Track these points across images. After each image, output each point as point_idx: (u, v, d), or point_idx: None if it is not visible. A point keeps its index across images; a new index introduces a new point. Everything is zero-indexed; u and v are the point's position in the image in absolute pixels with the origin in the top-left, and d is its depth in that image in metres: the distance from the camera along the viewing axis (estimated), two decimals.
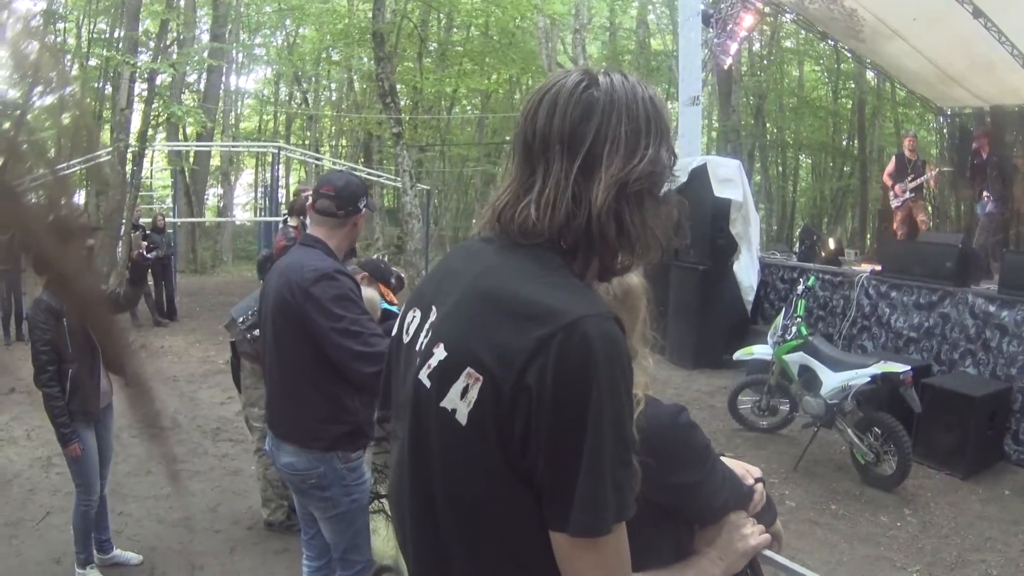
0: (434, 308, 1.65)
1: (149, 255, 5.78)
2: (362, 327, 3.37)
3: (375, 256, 10.84)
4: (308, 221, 4.17)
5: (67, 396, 4.87)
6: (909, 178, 13.45)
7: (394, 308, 6.31)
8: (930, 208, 13.39)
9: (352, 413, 3.53)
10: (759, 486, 2.10)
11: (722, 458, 2.03)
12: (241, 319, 5.46)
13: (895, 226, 13.97)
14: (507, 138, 31.32)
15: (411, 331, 1.72)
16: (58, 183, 1.30)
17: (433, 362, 1.55)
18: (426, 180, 26.31)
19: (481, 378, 1.45)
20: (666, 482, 1.77)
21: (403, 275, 7.17)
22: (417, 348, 1.65)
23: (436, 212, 27.79)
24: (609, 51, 30.61)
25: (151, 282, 15.30)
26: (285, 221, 8.81)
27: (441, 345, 1.55)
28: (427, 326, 1.65)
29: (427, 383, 1.56)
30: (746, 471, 2.11)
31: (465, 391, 1.47)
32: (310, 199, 3.88)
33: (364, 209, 3.78)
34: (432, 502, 1.57)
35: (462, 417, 1.48)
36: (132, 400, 1.67)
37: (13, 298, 13.05)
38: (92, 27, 29.25)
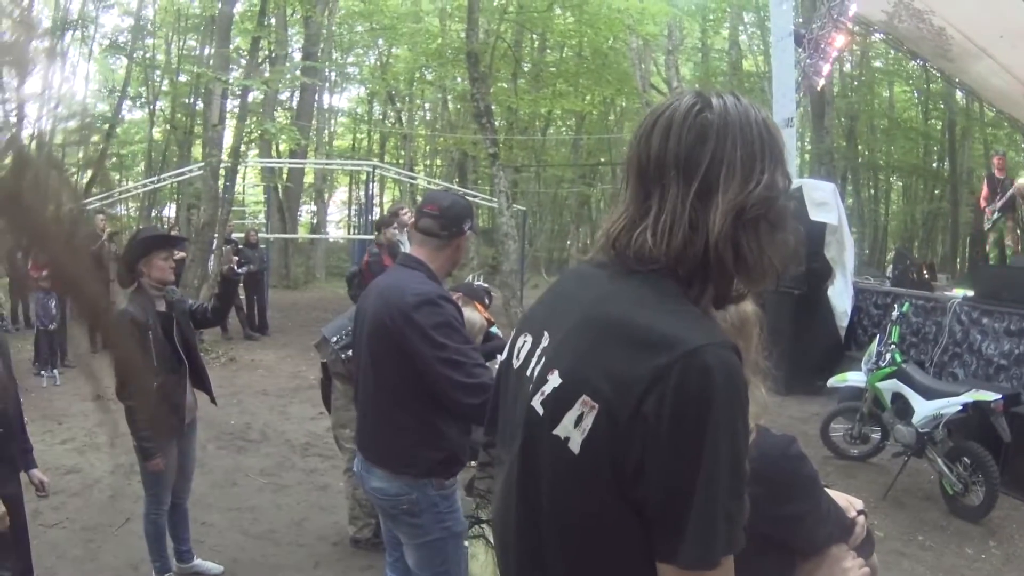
0: (546, 334, 1.63)
1: (240, 270, 5.76)
2: (465, 356, 3.22)
3: (468, 278, 10.74)
4: (408, 240, 3.99)
5: (151, 409, 4.76)
6: (997, 198, 12.94)
7: (495, 330, 6.21)
8: (1019, 231, 12.80)
9: (448, 440, 3.41)
10: (861, 519, 2.07)
11: (827, 490, 2.01)
12: (335, 339, 5.38)
13: (987, 249, 13.50)
14: (602, 159, 31.45)
15: (522, 356, 1.70)
16: (70, 191, 1.19)
17: (547, 389, 1.53)
18: (521, 200, 26.32)
19: (597, 406, 1.42)
20: (775, 513, 1.76)
21: (494, 293, 7.04)
22: (529, 374, 1.63)
23: (531, 233, 27.83)
24: (702, 72, 30.43)
25: (243, 296, 15.49)
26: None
27: (556, 372, 1.52)
28: (539, 351, 1.63)
29: (540, 410, 1.53)
30: (849, 503, 2.08)
31: (579, 419, 1.44)
32: (413, 217, 3.76)
33: (468, 231, 3.62)
34: (539, 530, 1.55)
35: (575, 446, 1.44)
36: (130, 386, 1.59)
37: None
38: (182, 44, 29.99)
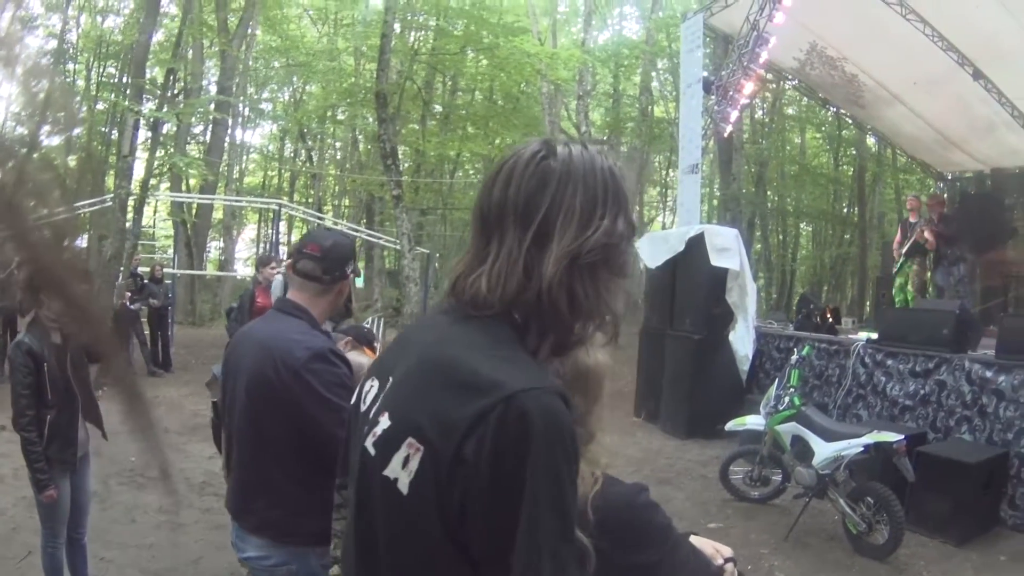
0: (389, 378, 1.64)
1: (133, 306, 5.76)
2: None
3: (368, 320, 10.79)
4: (286, 283, 3.78)
5: (44, 442, 4.78)
6: (906, 241, 13.29)
7: None
8: (929, 275, 13.26)
9: (334, 508, 3.23)
10: (729, 567, 2.06)
11: (692, 538, 2.02)
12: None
13: (893, 292, 13.80)
14: None
15: (367, 400, 1.70)
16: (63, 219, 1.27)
17: (378, 431, 1.55)
18: (427, 243, 26.39)
19: (422, 448, 1.44)
20: (625, 562, 1.75)
21: (392, 335, 7.13)
22: (369, 416, 1.63)
23: (437, 276, 27.88)
24: (612, 118, 30.73)
25: (147, 332, 15.31)
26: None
27: (386, 414, 1.55)
28: (380, 395, 1.64)
29: (372, 451, 1.55)
30: (715, 551, 2.07)
31: (406, 461, 1.46)
32: (292, 259, 3.46)
33: (351, 275, 3.42)
34: (376, 568, 1.56)
35: (403, 486, 1.46)
36: (130, 412, 1.67)
37: (8, 337, 13.10)
38: (102, 70, 29.58)
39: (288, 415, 3.01)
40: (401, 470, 1.46)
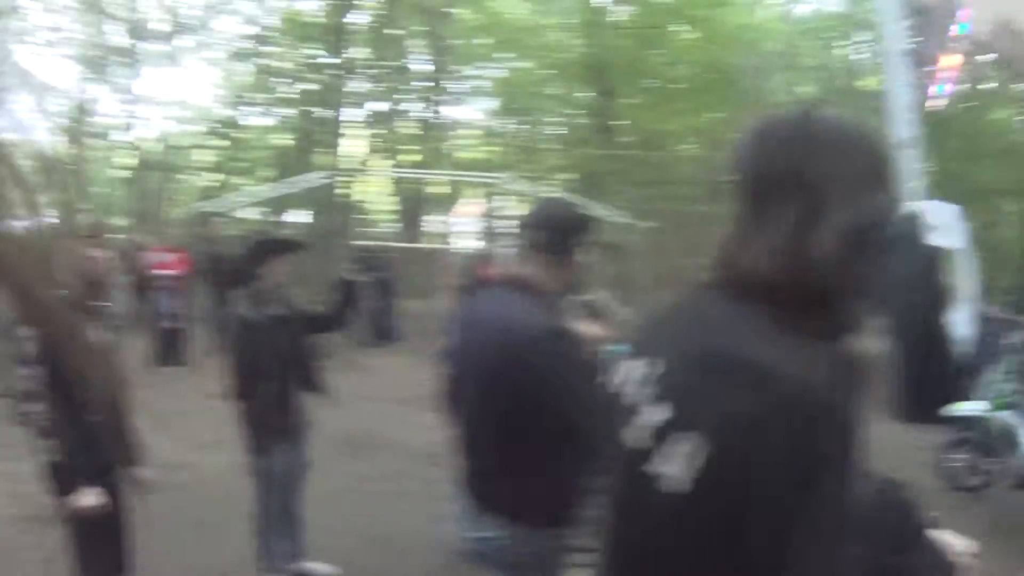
0: (657, 361, 1.55)
1: (360, 278, 5.81)
2: (593, 397, 2.82)
3: (591, 294, 10.62)
4: (516, 255, 3.55)
5: (263, 410, 4.83)
6: None
7: (617, 347, 6.00)
8: None
9: (571, 488, 2.94)
10: (967, 560, 1.87)
11: (937, 531, 1.87)
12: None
13: None
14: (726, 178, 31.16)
15: (631, 381, 1.61)
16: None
17: (655, 421, 1.46)
18: (648, 218, 26.08)
19: (706, 444, 1.35)
20: (877, 564, 1.60)
21: (617, 310, 6.86)
22: (637, 402, 1.55)
23: (656, 251, 27.60)
24: (818, 91, 29.61)
25: (371, 303, 15.63)
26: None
27: (665, 404, 1.46)
28: (649, 379, 1.54)
29: (647, 443, 1.46)
30: (954, 545, 1.88)
31: (688, 456, 1.37)
32: (521, 231, 3.30)
33: (583, 246, 3.17)
34: (642, 564, 1.52)
35: (682, 483, 1.38)
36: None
37: (222, 309, 13.71)
38: (304, 53, 30.64)
39: (522, 395, 2.89)
40: (681, 466, 1.38)
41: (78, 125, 26.92)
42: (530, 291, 3.05)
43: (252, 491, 5.20)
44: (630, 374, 1.62)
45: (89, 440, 3.64)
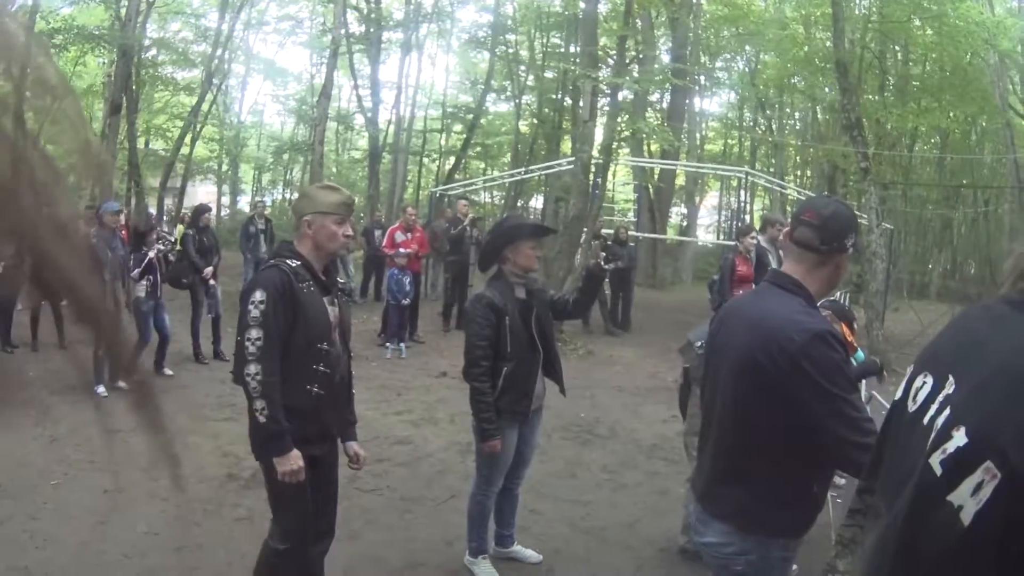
0: (952, 378, 1.45)
1: (607, 266, 5.74)
2: (856, 409, 2.72)
3: (836, 294, 10.20)
4: (782, 254, 3.35)
5: (498, 393, 4.81)
6: None
7: (860, 355, 5.73)
8: None
9: (812, 499, 2.97)
10: None
11: None
12: (699, 344, 5.08)
13: None
14: (964, 181, 29.39)
15: (919, 399, 1.53)
16: (44, 163, 1.17)
17: (950, 447, 1.35)
18: (888, 218, 24.92)
19: (1000, 475, 1.25)
20: None
21: (858, 314, 6.55)
22: (927, 422, 1.46)
23: (895, 253, 26.30)
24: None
25: (608, 292, 15.61)
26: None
27: (963, 429, 1.34)
28: (941, 398, 1.45)
29: (937, 470, 1.36)
30: None
31: (978, 488, 1.27)
32: (789, 227, 3.16)
33: (851, 249, 3.03)
34: None
35: (967, 516, 1.28)
36: (137, 402, 1.56)
37: (457, 289, 14.02)
38: (545, 41, 30.87)
39: (779, 401, 2.77)
40: (969, 498, 1.28)
41: (313, 108, 28.32)
42: (796, 290, 2.95)
43: (472, 470, 5.23)
44: (917, 391, 1.55)
45: (299, 406, 3.72)
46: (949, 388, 1.45)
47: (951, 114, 26.47)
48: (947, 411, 1.41)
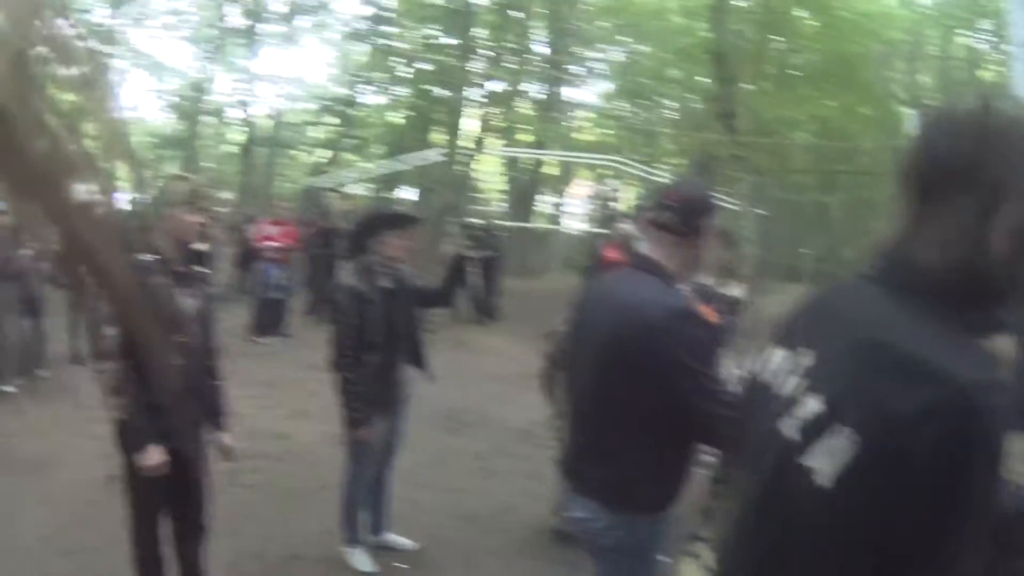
0: (807, 350, 1.53)
1: (471, 255, 5.83)
2: (720, 384, 2.80)
3: (705, 281, 10.50)
4: (644, 238, 3.45)
5: (365, 383, 4.84)
6: None
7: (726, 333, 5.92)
8: None
9: (677, 474, 3.02)
10: None
11: None
12: (564, 328, 5.22)
13: None
14: (841, 168, 30.27)
15: (777, 371, 1.60)
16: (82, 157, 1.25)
17: (803, 414, 1.44)
18: (761, 205, 25.62)
19: (856, 439, 1.32)
20: (1002, 569, 1.51)
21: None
22: (782, 393, 1.54)
23: (768, 238, 27.03)
24: (941, 81, 28.67)
25: (477, 281, 15.73)
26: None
27: (815, 396, 1.43)
28: (797, 369, 1.53)
29: (792, 435, 1.45)
30: None
31: (835, 451, 1.35)
32: (648, 212, 3.21)
33: (711, 231, 3.09)
34: (772, 559, 1.50)
35: (826, 479, 1.36)
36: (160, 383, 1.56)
37: (326, 282, 13.91)
38: (422, 33, 30.83)
39: (643, 379, 2.82)
40: (827, 460, 1.36)
41: (192, 103, 27.77)
42: (658, 272, 2.99)
43: (343, 462, 5.27)
44: (774, 363, 1.62)
45: (156, 401, 3.67)
46: (806, 360, 1.52)
47: (832, 103, 27.39)
48: (804, 380, 1.49)
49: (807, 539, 1.42)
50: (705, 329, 2.90)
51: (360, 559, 5.21)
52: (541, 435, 7.72)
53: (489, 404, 9.52)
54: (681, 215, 2.96)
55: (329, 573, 5.15)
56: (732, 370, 3.53)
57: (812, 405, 1.42)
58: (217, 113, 34.16)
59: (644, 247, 3.13)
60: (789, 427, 1.45)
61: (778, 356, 1.61)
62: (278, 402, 8.82)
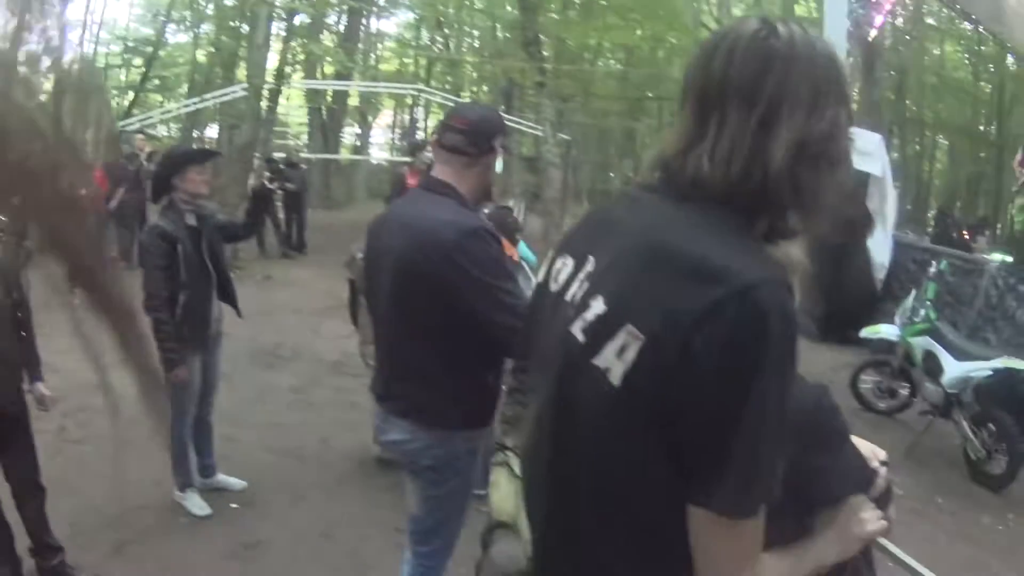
0: (591, 257, 1.55)
1: (271, 186, 5.78)
2: (515, 297, 2.84)
3: (510, 203, 10.67)
4: (433, 160, 3.52)
5: (177, 321, 4.81)
6: None
7: (527, 255, 6.10)
8: None
9: (484, 389, 3.11)
10: (883, 470, 1.93)
11: (852, 438, 1.90)
12: (361, 255, 5.27)
13: (1012, 212, 13.73)
14: (649, 94, 30.97)
15: (561, 279, 1.62)
16: (61, 148, 1.19)
17: (589, 316, 1.45)
18: (566, 131, 26.01)
19: (642, 338, 1.34)
20: (803, 464, 1.61)
21: (536, 221, 6.96)
22: (569, 298, 1.55)
23: (575, 163, 27.53)
24: (754, 14, 29.71)
25: (282, 215, 15.58)
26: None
27: (600, 298, 1.45)
28: (582, 276, 1.55)
29: (580, 337, 1.46)
30: (872, 453, 1.95)
31: (622, 350, 1.37)
32: (437, 134, 3.24)
33: (500, 150, 3.14)
34: (571, 463, 1.52)
35: (615, 377, 1.38)
36: (139, 375, 1.63)
37: (135, 225, 13.47)
38: None
39: (439, 298, 2.89)
40: (615, 360, 1.38)
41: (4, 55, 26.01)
42: (448, 194, 3.04)
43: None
44: (562, 272, 1.64)
45: None
46: (589, 266, 1.54)
47: (637, 31, 27.84)
48: (586, 284, 1.51)
49: (601, 438, 1.44)
50: (496, 245, 2.96)
51: (195, 502, 5.23)
52: (354, 365, 7.80)
53: (301, 337, 9.55)
54: (467, 136, 3.04)
55: (168, 520, 5.14)
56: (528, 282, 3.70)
57: (596, 307, 1.45)
58: (29, 62, 32.16)
59: (436, 170, 3.16)
60: (578, 330, 1.47)
61: (566, 264, 1.63)
62: (97, 353, 8.48)
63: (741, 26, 1.47)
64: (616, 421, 1.40)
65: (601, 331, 1.41)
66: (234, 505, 5.38)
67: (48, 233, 1.09)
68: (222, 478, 5.52)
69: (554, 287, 1.64)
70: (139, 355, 1.48)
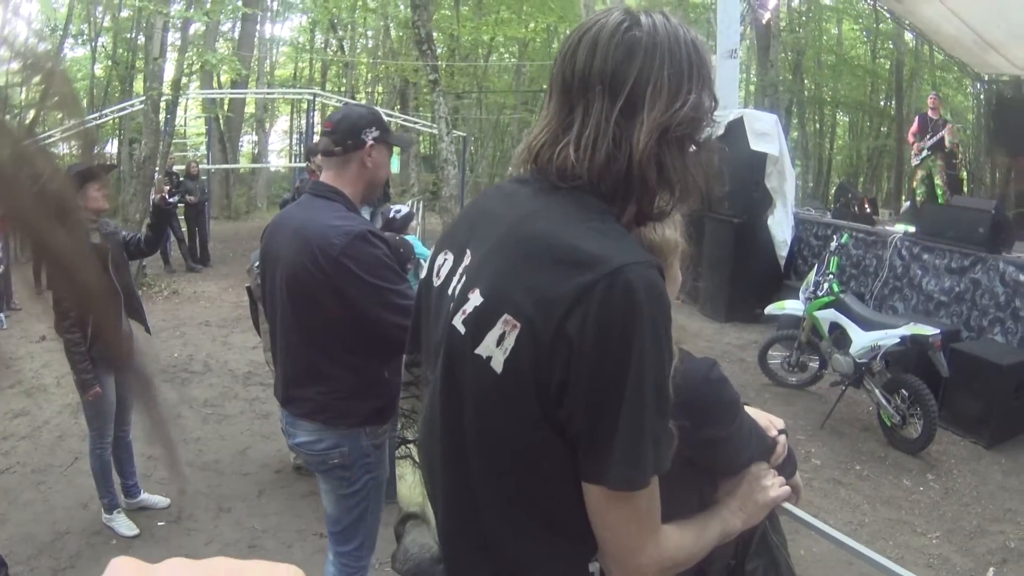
0: (468, 251, 1.61)
1: (171, 199, 5.77)
2: (404, 296, 2.91)
3: (410, 203, 10.72)
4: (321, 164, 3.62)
5: (88, 342, 4.80)
6: (928, 136, 13.53)
7: (422, 250, 6.18)
8: (965, 173, 13.23)
9: (384, 386, 3.13)
10: (782, 438, 2.04)
11: (746, 408, 1.96)
12: (257, 263, 5.36)
13: (914, 184, 14.14)
14: (544, 86, 31.02)
15: (443, 274, 1.67)
16: (42, 154, 1.05)
17: (468, 308, 1.50)
18: (462, 127, 26.12)
19: (519, 325, 1.40)
20: (697, 437, 1.68)
21: (435, 219, 7.07)
22: (450, 292, 1.60)
23: (472, 159, 27.56)
24: (648, 2, 30.00)
25: (185, 229, 15.48)
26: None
27: (477, 291, 1.50)
28: (461, 269, 1.60)
29: (461, 329, 1.51)
30: (770, 422, 2.05)
31: (501, 338, 1.43)
32: (317, 144, 3.38)
33: (372, 141, 3.17)
34: (464, 450, 1.55)
35: (497, 365, 1.44)
36: (134, 389, 1.59)
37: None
38: None
39: (330, 302, 2.97)
40: (495, 348, 1.44)
41: None
42: (334, 197, 3.14)
43: (85, 431, 5.24)
44: (440, 267, 1.69)
45: None
46: (466, 260, 1.59)
47: (530, 24, 27.78)
48: (464, 278, 1.56)
49: (489, 426, 1.50)
50: (383, 246, 3.00)
51: (122, 523, 5.24)
52: (265, 374, 7.90)
53: (211, 350, 9.54)
54: (332, 136, 3.13)
55: (97, 544, 5.11)
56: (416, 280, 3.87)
57: (474, 299, 1.49)
58: None
59: (323, 175, 3.25)
60: (459, 323, 1.51)
61: (446, 260, 1.68)
62: (15, 379, 8.38)
63: (604, 18, 1.52)
64: (502, 407, 1.46)
65: (480, 322, 1.47)
66: (161, 523, 5.39)
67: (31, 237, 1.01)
68: (146, 497, 5.53)
69: (437, 282, 1.69)
70: (122, 358, 1.51)
